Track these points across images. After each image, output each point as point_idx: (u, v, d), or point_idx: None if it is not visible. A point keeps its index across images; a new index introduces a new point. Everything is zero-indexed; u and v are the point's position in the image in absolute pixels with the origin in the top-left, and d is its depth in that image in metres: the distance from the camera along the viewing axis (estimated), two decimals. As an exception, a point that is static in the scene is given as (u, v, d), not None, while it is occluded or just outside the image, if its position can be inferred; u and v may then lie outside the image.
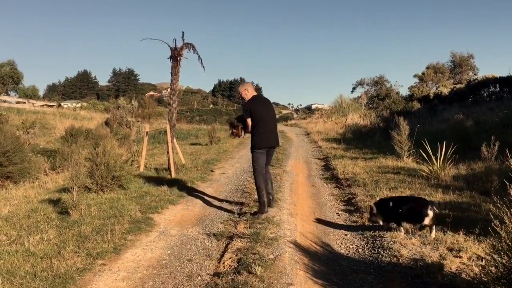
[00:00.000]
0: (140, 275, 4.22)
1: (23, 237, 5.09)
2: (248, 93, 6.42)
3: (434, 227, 4.91)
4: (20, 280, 3.87)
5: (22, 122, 19.14)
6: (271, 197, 6.56)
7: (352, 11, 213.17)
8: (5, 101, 31.91)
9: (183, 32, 9.72)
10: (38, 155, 12.23)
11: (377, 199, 5.89)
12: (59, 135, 19.36)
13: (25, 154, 10.45)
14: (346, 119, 26.39)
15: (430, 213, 4.80)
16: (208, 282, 4.04)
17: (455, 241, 4.73)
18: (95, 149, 7.80)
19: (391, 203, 5.17)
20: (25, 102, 34.25)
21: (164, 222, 6.11)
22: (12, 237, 5.14)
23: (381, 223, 5.38)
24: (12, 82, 64.37)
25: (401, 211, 5.01)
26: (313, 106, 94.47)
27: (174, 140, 10.33)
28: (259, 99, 6.60)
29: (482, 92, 24.00)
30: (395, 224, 5.23)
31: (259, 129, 6.21)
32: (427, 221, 4.84)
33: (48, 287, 3.77)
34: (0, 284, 3.76)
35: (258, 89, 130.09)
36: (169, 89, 10.59)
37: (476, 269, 3.97)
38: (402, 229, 5.11)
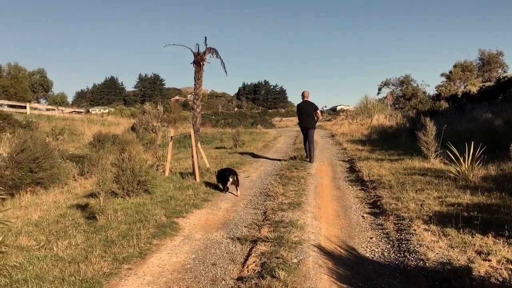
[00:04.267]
0: (165, 280, 4.27)
1: (52, 242, 5.23)
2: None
3: (238, 188, 8.27)
4: (48, 285, 3.97)
5: (52, 129, 19.53)
6: (311, 154, 11.95)
7: (378, 11, 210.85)
8: (35, 109, 32.65)
9: (205, 37, 9.77)
10: (67, 161, 12.51)
11: (219, 169, 9.19)
12: (87, 141, 19.74)
13: (54, 160, 10.70)
14: (371, 120, 26.03)
15: (231, 178, 8.15)
16: (232, 286, 4.06)
17: (483, 244, 4.61)
18: (121, 154, 7.93)
19: (221, 172, 8.52)
20: (54, 109, 34.97)
21: (189, 226, 6.17)
22: (41, 242, 5.30)
23: (220, 184, 8.61)
24: (42, 90, 66.35)
25: (222, 176, 8.37)
26: (338, 108, 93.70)
27: (199, 144, 10.41)
28: (302, 103, 12.16)
29: (512, 89, 23.33)
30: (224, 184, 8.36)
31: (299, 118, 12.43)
32: (228, 183, 8.20)
33: (75, 291, 3.86)
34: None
35: (282, 91, 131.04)
36: (193, 94, 10.68)
37: (506, 273, 3.87)
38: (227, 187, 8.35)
